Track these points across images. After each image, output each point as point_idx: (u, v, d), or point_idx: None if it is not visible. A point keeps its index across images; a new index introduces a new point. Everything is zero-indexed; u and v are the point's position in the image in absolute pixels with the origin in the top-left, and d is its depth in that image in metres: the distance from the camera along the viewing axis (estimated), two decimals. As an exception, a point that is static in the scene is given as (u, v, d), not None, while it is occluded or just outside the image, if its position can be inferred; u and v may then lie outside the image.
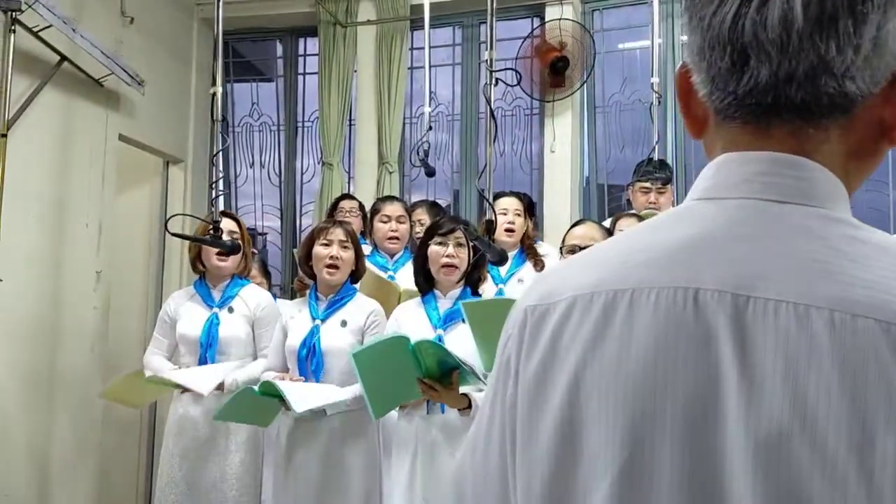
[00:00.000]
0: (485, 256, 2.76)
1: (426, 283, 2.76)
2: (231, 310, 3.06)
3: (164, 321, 3.17)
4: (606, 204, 5.15)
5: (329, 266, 2.89)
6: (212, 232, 2.79)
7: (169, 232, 2.98)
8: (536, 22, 5.25)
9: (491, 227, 2.25)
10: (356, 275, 2.99)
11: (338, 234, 2.94)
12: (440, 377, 2.44)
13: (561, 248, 2.52)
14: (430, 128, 3.66)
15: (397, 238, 3.54)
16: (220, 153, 2.81)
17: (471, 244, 2.67)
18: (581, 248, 2.42)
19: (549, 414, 0.67)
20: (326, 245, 2.91)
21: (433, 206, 4.03)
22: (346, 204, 4.30)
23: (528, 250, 3.37)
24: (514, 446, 0.70)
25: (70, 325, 4.35)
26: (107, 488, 4.71)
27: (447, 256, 2.67)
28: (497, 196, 3.53)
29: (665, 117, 5.01)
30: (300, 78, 5.83)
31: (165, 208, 5.60)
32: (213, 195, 2.78)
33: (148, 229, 5.57)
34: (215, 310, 3.06)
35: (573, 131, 5.04)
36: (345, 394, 2.71)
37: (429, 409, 2.61)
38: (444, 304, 2.71)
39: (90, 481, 4.47)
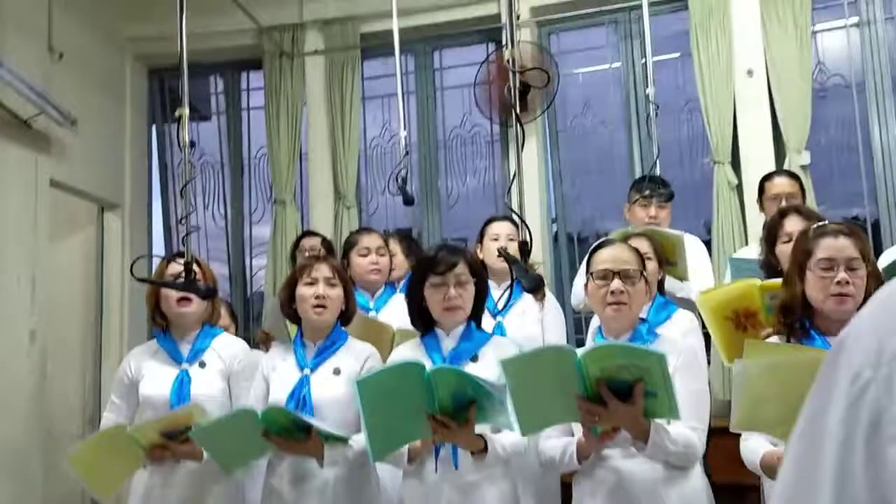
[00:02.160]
0: (488, 289, 2.50)
1: (424, 324, 2.46)
2: (203, 364, 2.69)
3: (122, 382, 2.77)
4: (575, 230, 4.98)
5: (316, 306, 2.57)
6: (183, 275, 2.43)
7: (135, 277, 2.62)
8: (492, 47, 5.08)
9: (525, 248, 1.98)
10: (346, 316, 2.68)
11: (323, 270, 2.62)
12: (453, 414, 2.13)
13: (590, 274, 2.25)
14: (407, 152, 3.40)
15: (379, 271, 3.24)
16: (189, 185, 2.46)
17: (475, 274, 2.40)
18: (615, 274, 2.16)
19: None
20: (311, 284, 2.60)
21: (405, 237, 3.74)
22: (307, 242, 3.97)
23: (528, 279, 3.11)
24: None
25: (3, 392, 3.88)
26: (50, 574, 4.20)
27: (448, 299, 2.37)
28: (489, 220, 3.28)
29: (630, 137, 4.88)
30: (244, 113, 5.50)
31: (102, 259, 5.16)
32: (185, 232, 2.44)
33: (84, 282, 5.11)
34: (185, 366, 2.67)
35: (539, 156, 4.86)
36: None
37: (437, 464, 2.29)
38: (447, 343, 2.41)
39: (31, 568, 3.97)
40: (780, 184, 3.34)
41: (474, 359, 2.36)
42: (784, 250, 2.67)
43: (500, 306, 2.98)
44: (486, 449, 2.20)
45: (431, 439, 2.23)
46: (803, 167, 4.21)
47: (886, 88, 4.37)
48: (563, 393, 1.95)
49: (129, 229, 5.21)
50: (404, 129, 3.34)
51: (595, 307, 2.25)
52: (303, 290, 2.60)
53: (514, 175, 1.96)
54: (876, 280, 1.98)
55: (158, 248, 5.50)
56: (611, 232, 4.12)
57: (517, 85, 1.89)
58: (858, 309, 1.97)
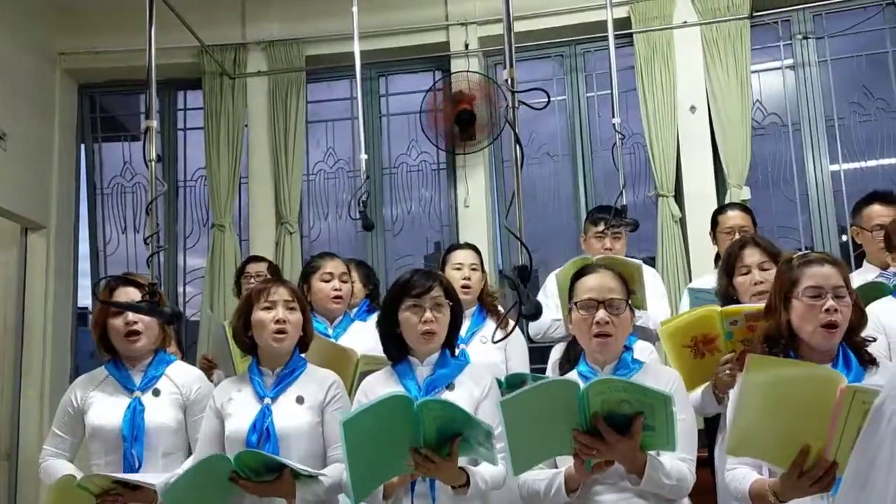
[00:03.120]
0: (462, 314, 2.43)
1: (398, 351, 2.39)
2: (157, 392, 2.52)
3: (66, 413, 2.55)
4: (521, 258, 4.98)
5: (277, 332, 2.45)
6: (147, 297, 2.26)
7: (99, 299, 2.43)
8: (439, 75, 5.08)
9: (525, 273, 1.92)
10: (304, 342, 2.57)
11: (281, 293, 2.49)
12: (436, 447, 2.03)
13: (574, 304, 2.20)
14: (368, 176, 3.32)
15: (341, 298, 3.13)
16: (157, 200, 2.31)
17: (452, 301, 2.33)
18: (600, 304, 2.13)
19: None
20: (269, 308, 2.46)
21: (362, 265, 3.65)
22: (253, 267, 3.83)
23: (490, 308, 3.06)
24: None
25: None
26: None
27: (425, 323, 2.28)
28: (450, 249, 3.22)
29: (576, 169, 4.93)
30: (180, 134, 5.32)
31: (24, 283, 4.87)
32: (152, 251, 2.27)
33: (3, 307, 4.81)
34: (137, 393, 2.50)
35: (486, 185, 4.85)
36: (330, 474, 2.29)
37: (414, 499, 2.15)
38: (422, 371, 2.32)
39: None
40: (734, 216, 3.40)
41: (450, 387, 2.29)
42: (742, 281, 2.70)
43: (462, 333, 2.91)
44: (467, 483, 2.12)
45: (410, 475, 2.13)
46: (744, 202, 4.32)
47: (820, 128, 4.56)
48: (558, 426, 1.89)
49: (54, 252, 4.94)
50: (365, 152, 3.25)
51: (580, 337, 2.21)
52: (261, 315, 2.47)
53: (514, 195, 1.90)
54: (857, 309, 2.00)
55: (84, 273, 5.24)
56: (557, 262, 4.13)
57: (515, 105, 1.84)
58: (843, 338, 2.02)
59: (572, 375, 2.23)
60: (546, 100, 1.98)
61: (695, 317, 2.50)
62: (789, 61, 4.67)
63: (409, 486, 2.19)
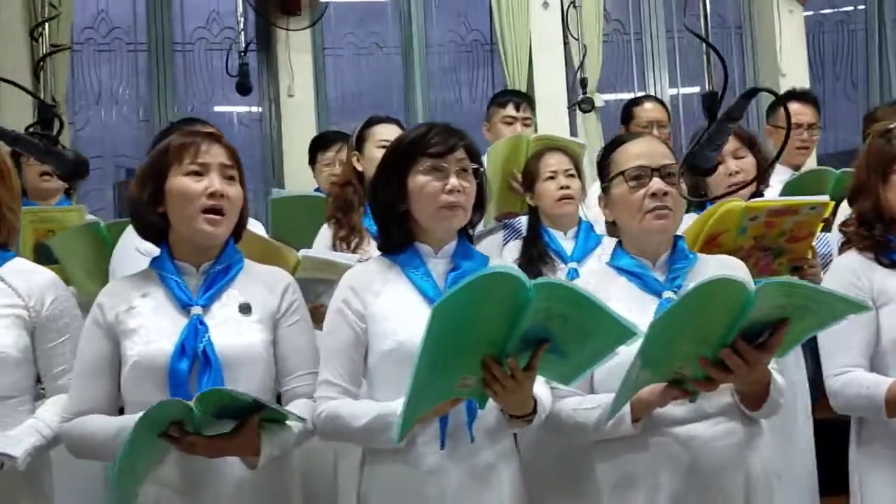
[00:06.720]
0: (486, 187, 1.78)
1: (401, 236, 1.64)
2: (-15, 304, 1.56)
3: None
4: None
5: (210, 211, 1.61)
6: (39, 132, 1.27)
7: None
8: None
9: (715, 103, 1.28)
10: (238, 230, 1.73)
11: (216, 154, 1.60)
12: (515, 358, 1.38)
13: (621, 174, 1.62)
14: (244, 29, 2.43)
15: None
16: None
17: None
18: (654, 171, 1.59)
19: None
20: (198, 174, 1.60)
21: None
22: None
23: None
24: None
25: None
26: None
27: (451, 192, 1.58)
28: (370, 122, 2.46)
29: (407, 64, 4.36)
30: None
31: None
32: (46, 50, 1.28)
33: None
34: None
35: (315, 73, 4.09)
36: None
37: (444, 439, 1.50)
38: (435, 264, 1.62)
39: None
40: (651, 109, 3.17)
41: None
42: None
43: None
44: (534, 412, 1.50)
45: (452, 400, 1.47)
46: (596, 110, 4.13)
47: (661, 36, 4.48)
48: (687, 347, 1.39)
49: None
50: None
51: (626, 218, 1.67)
52: (185, 184, 1.58)
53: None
54: None
55: None
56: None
57: None
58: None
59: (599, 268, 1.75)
60: None
61: (717, 213, 2.18)
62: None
63: (438, 422, 1.54)
